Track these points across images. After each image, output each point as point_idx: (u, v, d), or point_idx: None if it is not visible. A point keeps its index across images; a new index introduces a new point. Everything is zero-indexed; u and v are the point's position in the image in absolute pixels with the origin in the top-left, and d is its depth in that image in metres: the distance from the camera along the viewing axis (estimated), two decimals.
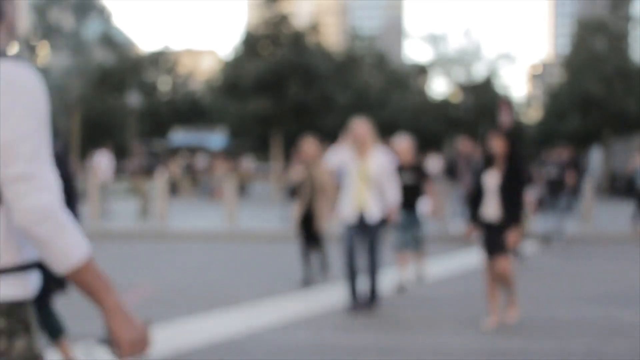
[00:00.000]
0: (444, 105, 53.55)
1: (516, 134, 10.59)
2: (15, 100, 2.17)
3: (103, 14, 53.10)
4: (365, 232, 8.77)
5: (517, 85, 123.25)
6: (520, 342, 7.28)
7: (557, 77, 59.92)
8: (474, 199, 8.14)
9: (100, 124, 53.56)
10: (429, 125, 50.51)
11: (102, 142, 31.63)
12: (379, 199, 8.86)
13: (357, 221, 8.75)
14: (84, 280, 2.15)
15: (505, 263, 7.92)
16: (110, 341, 2.19)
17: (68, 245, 2.11)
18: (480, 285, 10.80)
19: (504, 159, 7.98)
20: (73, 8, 50.84)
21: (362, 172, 8.78)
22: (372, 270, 8.84)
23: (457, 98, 54.02)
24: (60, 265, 2.12)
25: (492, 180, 7.98)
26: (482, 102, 51.34)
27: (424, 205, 11.07)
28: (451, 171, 18.54)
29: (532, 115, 66.86)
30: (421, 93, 54.32)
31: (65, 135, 50.55)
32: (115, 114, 52.71)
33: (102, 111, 52.71)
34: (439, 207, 11.69)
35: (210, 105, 49.33)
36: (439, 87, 57.93)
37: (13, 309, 2.17)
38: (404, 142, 10.80)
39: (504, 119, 23.18)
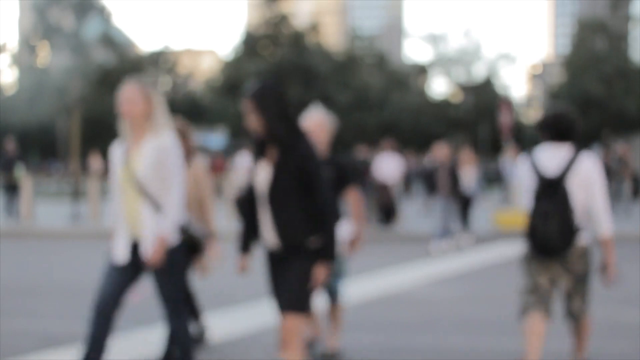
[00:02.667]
0: (444, 105, 53.56)
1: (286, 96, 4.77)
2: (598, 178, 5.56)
3: (103, 14, 53.11)
4: (137, 273, 5.57)
5: (517, 85, 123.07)
6: (520, 342, 7.27)
7: (557, 77, 59.94)
8: (244, 210, 4.98)
9: (100, 124, 53.55)
10: (429, 125, 50.52)
11: (98, 142, 31.15)
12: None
13: (128, 255, 5.48)
14: (606, 246, 5.43)
15: (290, 323, 4.83)
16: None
17: (606, 222, 5.55)
18: (479, 286, 10.80)
19: (273, 142, 4.76)
20: (73, 8, 50.84)
21: (128, 173, 5.30)
22: (173, 334, 5.66)
23: (457, 98, 54.01)
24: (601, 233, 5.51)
25: (261, 179, 4.87)
26: (482, 102, 51.34)
27: (344, 230, 6.46)
28: (430, 181, 15.80)
29: (532, 115, 66.90)
30: (421, 93, 54.32)
31: (65, 135, 50.59)
32: (115, 114, 52.71)
33: (102, 111, 52.71)
34: (359, 236, 6.47)
35: (210, 105, 49.36)
36: (439, 87, 57.92)
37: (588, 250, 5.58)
38: (314, 118, 6.50)
39: (504, 119, 23.21)
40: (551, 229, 5.48)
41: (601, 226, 5.56)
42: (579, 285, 5.79)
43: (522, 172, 5.74)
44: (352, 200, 6.38)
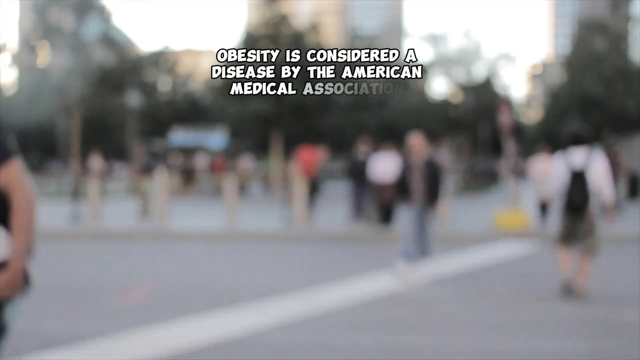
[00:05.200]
0: (444, 105, 53.52)
1: None
2: None
3: (103, 14, 53.07)
4: None
5: (517, 85, 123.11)
6: (520, 342, 7.28)
7: (557, 77, 59.92)
8: None
9: (100, 124, 53.53)
10: (429, 125, 50.44)
11: (98, 142, 31.19)
12: None
13: None
14: (609, 206, 9.77)
15: None
16: None
17: (609, 192, 9.79)
18: (480, 286, 10.80)
19: None
20: (73, 8, 50.79)
21: None
22: None
23: (457, 98, 53.98)
24: None
25: None
26: (482, 102, 51.33)
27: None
28: (403, 182, 11.69)
29: (532, 115, 66.89)
30: (421, 93, 54.29)
31: (65, 135, 50.58)
32: (115, 114, 52.70)
33: (102, 111, 52.67)
34: (17, 262, 3.42)
35: (210, 105, 49.35)
36: (439, 87, 57.87)
37: None
38: None
39: (504, 119, 23.20)
40: (578, 198, 9.50)
41: (606, 194, 9.57)
42: (591, 232, 9.56)
43: (558, 166, 9.71)
44: (13, 193, 3.52)
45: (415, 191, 11.59)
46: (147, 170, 21.38)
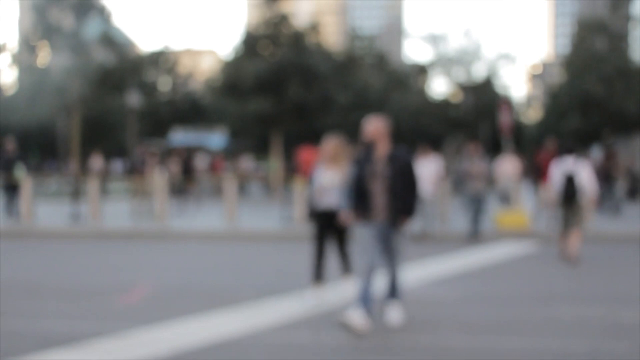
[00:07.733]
0: (444, 105, 53.54)
1: None
2: None
3: (103, 14, 53.09)
4: None
5: (517, 85, 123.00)
6: (520, 342, 7.28)
7: (557, 77, 59.92)
8: None
9: (100, 124, 53.52)
10: (429, 125, 50.49)
11: (98, 142, 31.02)
12: None
13: None
14: (591, 199, 13.81)
15: None
16: None
17: (592, 189, 13.69)
18: (480, 286, 10.81)
19: None
20: (73, 8, 50.82)
21: None
22: None
23: (457, 98, 53.99)
24: None
25: None
26: (482, 102, 51.33)
27: None
28: (358, 197, 8.12)
29: (532, 115, 66.86)
30: (421, 93, 54.29)
31: (65, 135, 50.58)
32: (115, 114, 52.70)
33: (102, 111, 52.67)
34: None
35: (210, 105, 49.36)
36: (439, 87, 57.87)
37: None
38: None
39: (504, 119, 23.19)
40: (570, 193, 12.79)
41: (589, 191, 12.95)
42: (578, 215, 12.96)
43: (555, 171, 12.96)
44: None
45: (376, 206, 7.77)
46: (146, 169, 21.37)
